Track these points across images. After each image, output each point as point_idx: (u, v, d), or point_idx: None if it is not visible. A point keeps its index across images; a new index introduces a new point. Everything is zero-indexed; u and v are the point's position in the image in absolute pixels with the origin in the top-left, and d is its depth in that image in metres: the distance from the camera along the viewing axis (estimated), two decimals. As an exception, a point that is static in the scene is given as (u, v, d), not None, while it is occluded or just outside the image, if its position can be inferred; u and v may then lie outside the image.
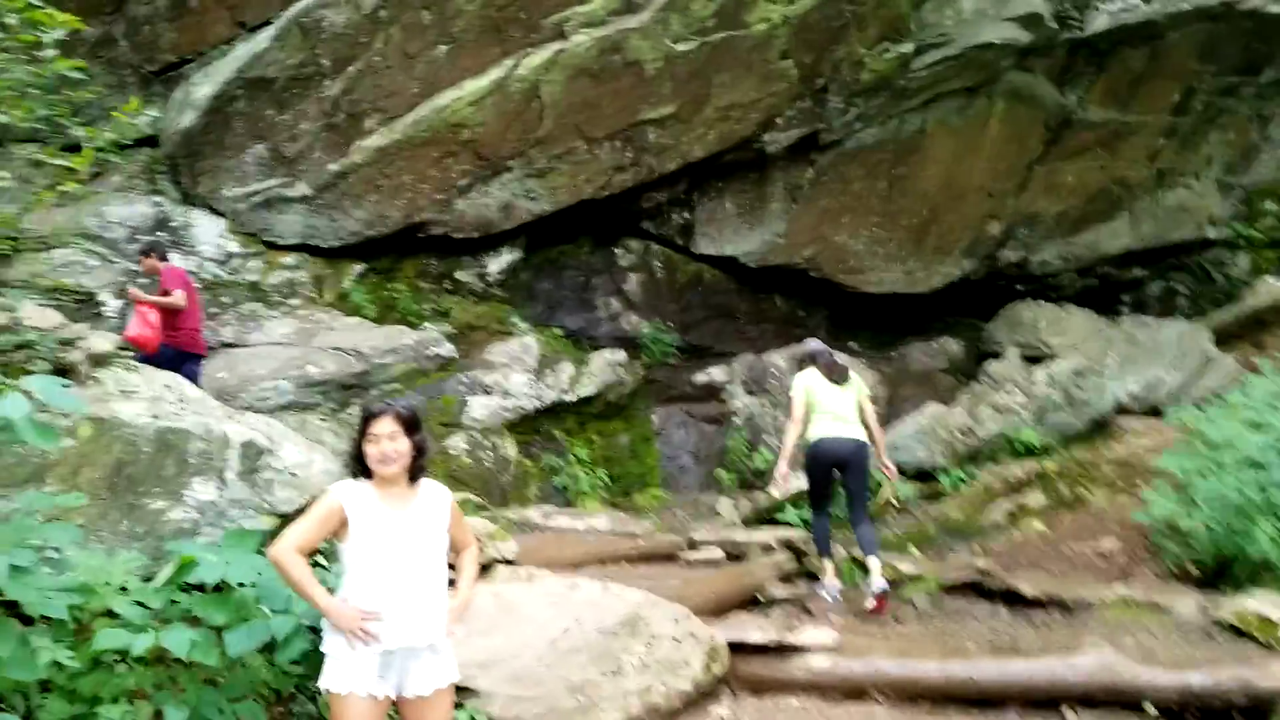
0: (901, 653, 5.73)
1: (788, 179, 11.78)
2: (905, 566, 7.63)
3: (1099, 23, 11.57)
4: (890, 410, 11.13)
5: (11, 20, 4.39)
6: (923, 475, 9.92)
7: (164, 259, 8.54)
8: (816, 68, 10.78)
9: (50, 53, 4.38)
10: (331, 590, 3.55)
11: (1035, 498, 9.17)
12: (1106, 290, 13.71)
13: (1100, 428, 10.53)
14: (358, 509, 3.47)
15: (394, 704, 3.50)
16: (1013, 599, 7.02)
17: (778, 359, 11.45)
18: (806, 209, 11.84)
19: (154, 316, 7.96)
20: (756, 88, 10.68)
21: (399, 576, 3.43)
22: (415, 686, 3.44)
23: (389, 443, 3.48)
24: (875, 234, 12.16)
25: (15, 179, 4.57)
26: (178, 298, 8.11)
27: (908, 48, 10.85)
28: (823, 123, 11.28)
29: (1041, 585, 7.04)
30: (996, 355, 11.86)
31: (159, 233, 9.62)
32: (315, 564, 4.73)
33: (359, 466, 3.57)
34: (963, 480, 9.63)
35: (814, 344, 7.77)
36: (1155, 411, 10.72)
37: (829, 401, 7.24)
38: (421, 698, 3.45)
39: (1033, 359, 11.57)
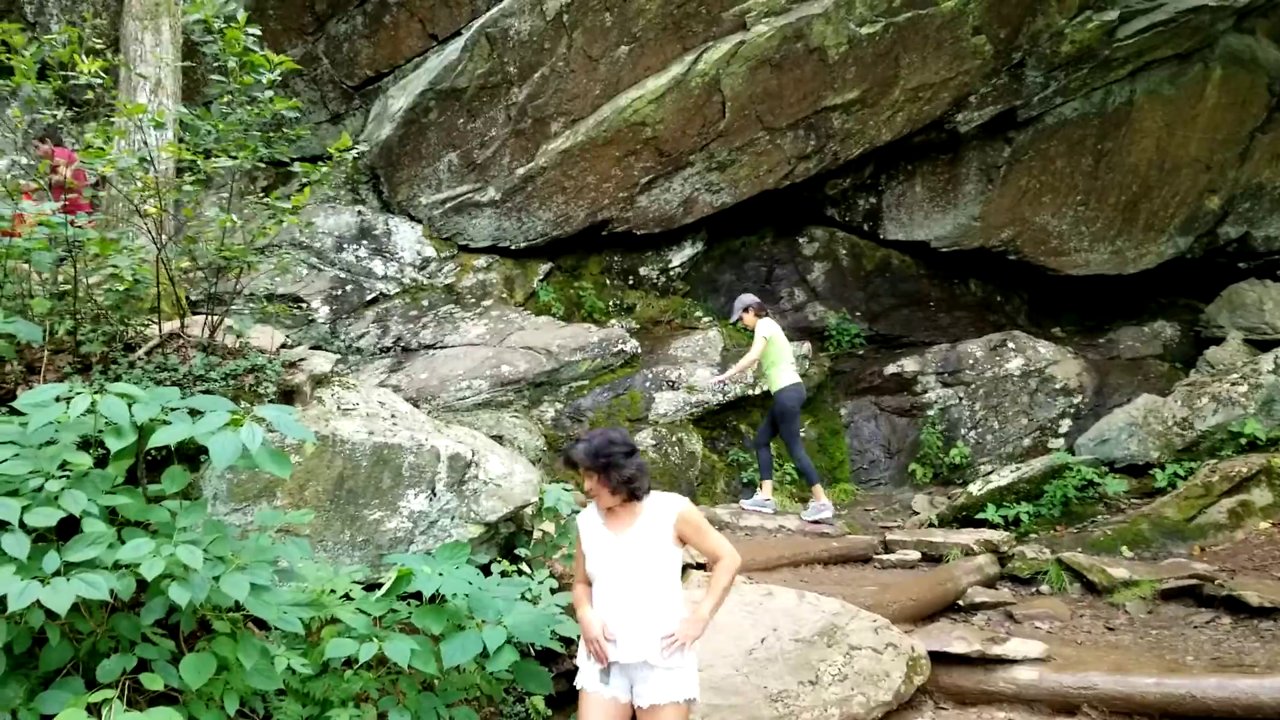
0: (1115, 665, 5.41)
1: (982, 159, 11.31)
2: (1117, 571, 7.17)
3: (1333, -27, 10.51)
4: (1098, 400, 10.57)
5: (232, 64, 4.70)
6: (1134, 470, 9.35)
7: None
8: (1012, 41, 10.26)
9: (268, 93, 4.66)
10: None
11: (1261, 495, 8.46)
12: (1344, 267, 12.46)
13: (1338, 419, 9.59)
14: (588, 536, 3.72)
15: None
16: (1235, 606, 6.50)
17: (974, 348, 11.02)
18: (1003, 189, 11.32)
19: None
20: (947, 66, 10.27)
21: (616, 597, 3.57)
22: (643, 698, 3.57)
23: (588, 483, 3.67)
24: (1080, 213, 11.52)
25: (237, 213, 4.89)
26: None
27: (1112, 15, 10.17)
28: (1020, 99, 10.76)
29: (1268, 592, 6.48)
30: (1217, 340, 11.02)
31: (363, 240, 10.15)
32: (518, 571, 4.89)
33: None
34: (1179, 476, 9.01)
35: (754, 297, 8.82)
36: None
37: (788, 351, 8.50)
38: (643, 709, 3.57)
39: (1258, 344, 10.69)
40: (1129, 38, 10.43)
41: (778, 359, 8.39)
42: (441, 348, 9.71)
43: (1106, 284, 12.12)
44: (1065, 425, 10.45)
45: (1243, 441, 9.10)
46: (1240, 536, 8.10)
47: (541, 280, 10.93)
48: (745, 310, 8.61)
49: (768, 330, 8.38)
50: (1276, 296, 11.31)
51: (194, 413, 3.46)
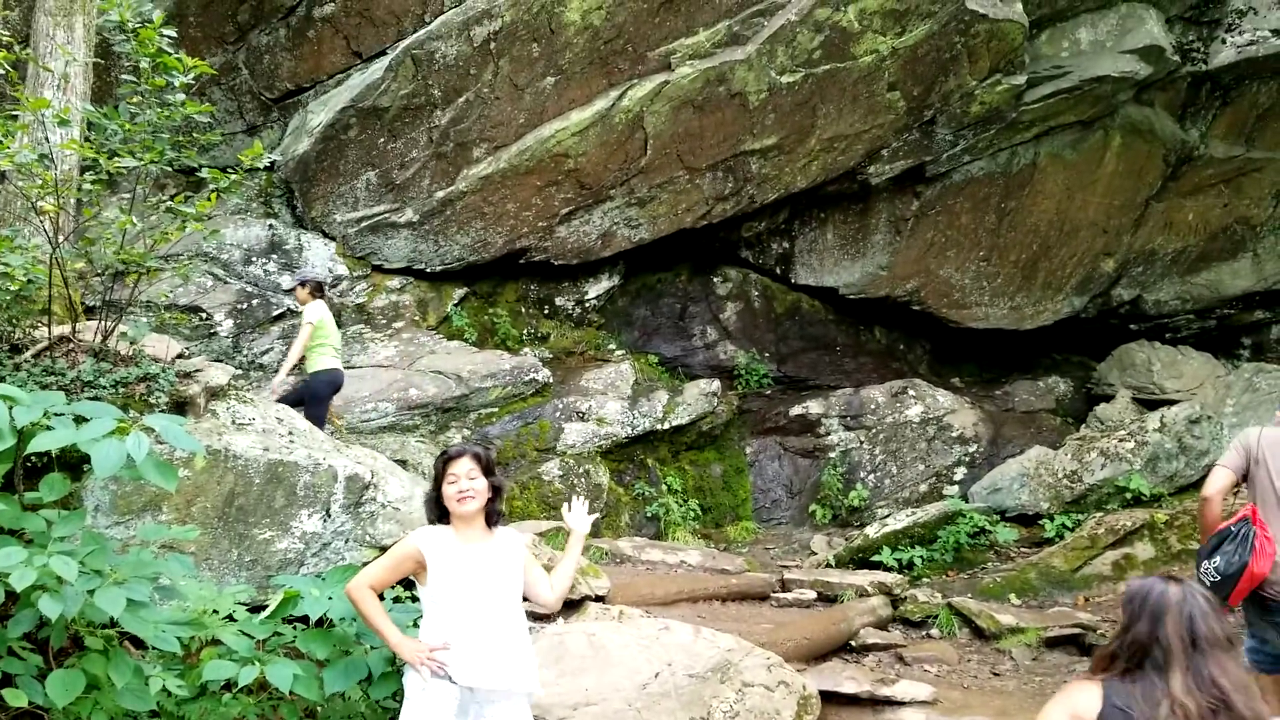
0: (998, 710, 5.54)
1: (892, 211, 11.64)
2: (1004, 617, 7.37)
3: (1224, 56, 11.16)
4: (992, 450, 10.87)
5: (144, 64, 4.60)
6: (1024, 519, 9.63)
7: None
8: (925, 99, 10.62)
9: (179, 96, 4.57)
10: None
11: (1143, 549, 8.78)
12: (1226, 333, 13.15)
13: (1216, 478, 10.04)
14: (437, 553, 3.49)
15: None
16: (1116, 656, 6.71)
17: (876, 394, 11.28)
18: (910, 241, 11.66)
19: None
20: (862, 119, 10.56)
21: (476, 619, 3.43)
22: None
23: (467, 481, 3.50)
24: (982, 268, 11.92)
25: (141, 218, 4.77)
26: None
27: (1020, 80, 10.61)
28: (929, 155, 11.12)
29: (1147, 644, 6.70)
30: (1107, 397, 11.45)
31: (273, 255, 9.95)
32: (412, 598, 4.81)
33: (438, 510, 3.60)
34: (1067, 527, 9.30)
35: (320, 272, 8.35)
36: (1276, 462, 10.19)
37: (335, 337, 8.11)
38: None
39: (1146, 403, 11.14)
40: (1035, 102, 10.89)
41: (322, 342, 7.97)
42: (349, 368, 9.53)
43: (1005, 338, 12.54)
44: (960, 473, 10.73)
45: (1128, 496, 9.45)
46: (1122, 588, 8.38)
47: (455, 305, 10.85)
48: (302, 284, 8.18)
49: (315, 315, 7.90)
50: (1164, 358, 11.82)
51: (79, 419, 3.33)
